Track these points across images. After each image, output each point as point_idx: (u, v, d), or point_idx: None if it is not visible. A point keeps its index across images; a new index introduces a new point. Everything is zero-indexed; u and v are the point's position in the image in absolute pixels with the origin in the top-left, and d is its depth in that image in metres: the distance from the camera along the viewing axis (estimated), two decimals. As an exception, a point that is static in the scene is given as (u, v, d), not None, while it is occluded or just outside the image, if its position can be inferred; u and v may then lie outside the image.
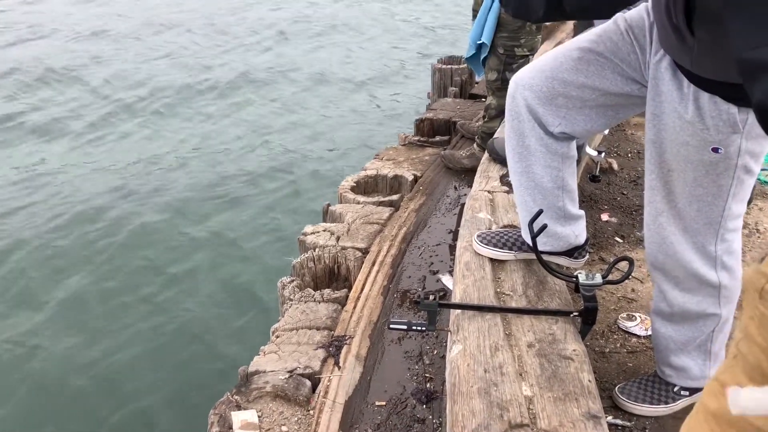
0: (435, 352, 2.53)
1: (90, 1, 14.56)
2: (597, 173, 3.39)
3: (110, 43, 11.97)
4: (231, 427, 2.18)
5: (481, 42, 3.58)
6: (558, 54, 1.76)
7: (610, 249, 2.87)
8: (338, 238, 3.33)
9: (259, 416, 2.24)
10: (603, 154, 3.33)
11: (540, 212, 1.79)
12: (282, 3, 15.05)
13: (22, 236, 6.03)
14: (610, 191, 3.36)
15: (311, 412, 2.27)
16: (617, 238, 2.96)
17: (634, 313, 2.40)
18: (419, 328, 1.90)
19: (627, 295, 2.55)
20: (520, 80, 1.83)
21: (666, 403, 1.90)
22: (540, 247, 1.89)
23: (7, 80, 10.05)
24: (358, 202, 3.75)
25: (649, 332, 2.30)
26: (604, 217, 3.12)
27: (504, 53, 3.56)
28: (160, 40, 12.31)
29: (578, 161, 2.27)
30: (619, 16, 1.69)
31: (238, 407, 2.27)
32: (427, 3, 15.15)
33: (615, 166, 3.55)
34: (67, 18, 13.46)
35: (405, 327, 1.92)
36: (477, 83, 5.73)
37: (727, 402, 0.96)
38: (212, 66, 10.88)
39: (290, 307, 2.85)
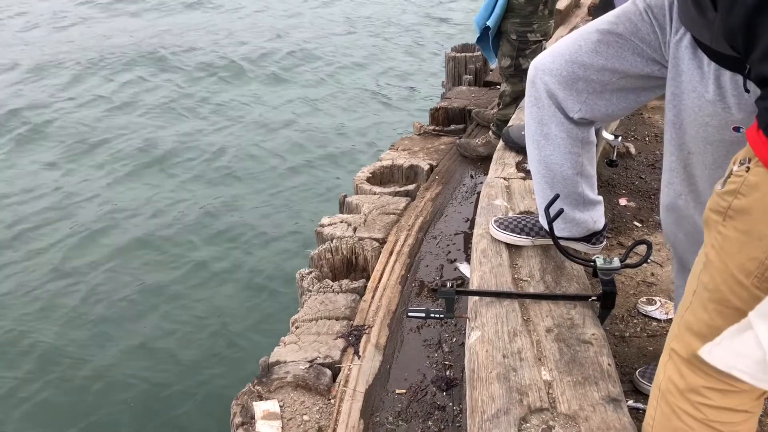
0: (454, 339, 2.53)
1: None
2: (614, 158, 3.37)
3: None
4: (253, 417, 2.21)
5: (486, 26, 3.54)
6: (577, 37, 1.74)
7: (628, 233, 2.86)
8: (355, 229, 3.34)
9: (280, 406, 2.26)
10: (620, 138, 3.31)
11: (556, 197, 1.78)
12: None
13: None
14: (627, 176, 3.34)
15: (332, 401, 2.29)
16: (636, 223, 2.94)
17: (654, 298, 2.38)
18: (437, 315, 1.91)
19: (647, 279, 2.53)
20: (540, 65, 1.81)
21: (687, 386, 1.89)
22: (558, 233, 1.88)
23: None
24: (375, 193, 3.76)
25: (670, 316, 2.29)
26: (623, 201, 3.10)
27: (517, 39, 3.54)
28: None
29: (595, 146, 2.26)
30: None
31: (260, 397, 2.30)
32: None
33: (632, 150, 3.52)
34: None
35: (423, 315, 1.92)
36: (491, 71, 5.70)
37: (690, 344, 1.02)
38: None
39: (309, 297, 2.87)
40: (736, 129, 1.46)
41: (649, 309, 2.32)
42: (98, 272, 5.52)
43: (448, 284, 1.92)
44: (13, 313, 5.07)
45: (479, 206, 2.42)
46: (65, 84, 9.81)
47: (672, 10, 1.57)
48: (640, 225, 2.92)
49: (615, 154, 3.37)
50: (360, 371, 2.40)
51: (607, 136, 3.23)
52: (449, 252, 3.15)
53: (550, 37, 3.69)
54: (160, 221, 6.29)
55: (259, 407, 2.24)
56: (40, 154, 7.74)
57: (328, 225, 3.44)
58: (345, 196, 3.78)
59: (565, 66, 1.72)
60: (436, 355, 2.47)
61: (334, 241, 3.23)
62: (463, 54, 5.74)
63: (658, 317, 2.29)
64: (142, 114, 8.86)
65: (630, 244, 2.32)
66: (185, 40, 11.80)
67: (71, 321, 4.96)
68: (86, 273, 5.51)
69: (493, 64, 4.79)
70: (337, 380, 2.38)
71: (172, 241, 5.96)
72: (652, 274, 2.55)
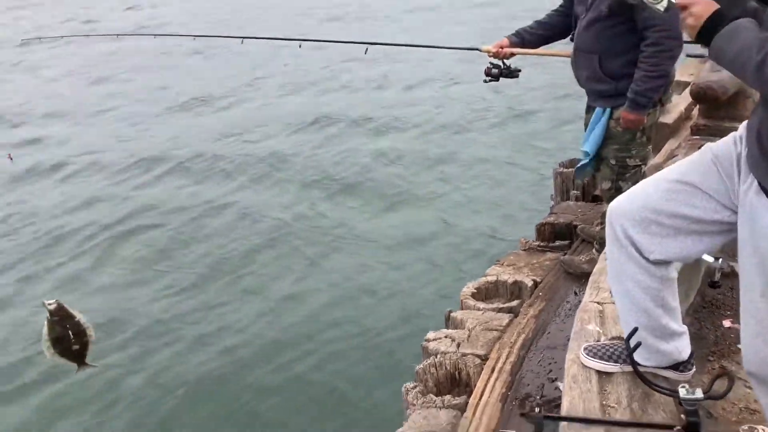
0: (552, 461, 2.58)
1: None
2: (717, 279, 3.36)
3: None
4: None
5: (585, 151, 3.73)
6: (648, 185, 1.92)
7: (732, 357, 2.83)
8: (459, 345, 3.50)
9: None
10: (720, 260, 3.31)
11: (635, 330, 1.90)
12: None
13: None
14: (733, 296, 3.30)
15: None
16: (740, 346, 2.90)
17: (756, 426, 2.35)
18: (527, 439, 2.02)
19: (750, 406, 2.50)
20: (616, 208, 1.98)
21: None
22: (644, 363, 1.98)
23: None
24: (479, 309, 3.91)
25: (771, 447, 2.26)
26: (727, 323, 3.07)
27: (616, 164, 3.69)
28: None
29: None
30: (706, 148, 1.83)
31: None
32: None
33: (737, 270, 3.48)
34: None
35: (513, 439, 2.04)
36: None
37: None
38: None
39: (413, 412, 3.03)
40: None
41: (751, 438, 2.29)
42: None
43: (536, 409, 2.03)
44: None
45: (573, 330, 2.53)
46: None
47: (740, 162, 1.72)
48: (745, 349, 2.88)
49: (718, 276, 3.36)
50: (458, 488, 2.50)
51: (707, 258, 3.25)
52: (550, 370, 3.23)
53: (648, 162, 3.81)
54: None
55: None
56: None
57: (434, 339, 3.61)
58: (450, 312, 3.96)
59: (638, 211, 1.88)
60: (533, 475, 2.52)
61: (438, 356, 3.40)
62: (570, 169, 5.88)
63: (761, 448, 2.26)
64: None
65: (712, 375, 2.31)
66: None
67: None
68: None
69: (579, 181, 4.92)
70: (437, 496, 2.49)
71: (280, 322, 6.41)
72: (756, 401, 2.52)
